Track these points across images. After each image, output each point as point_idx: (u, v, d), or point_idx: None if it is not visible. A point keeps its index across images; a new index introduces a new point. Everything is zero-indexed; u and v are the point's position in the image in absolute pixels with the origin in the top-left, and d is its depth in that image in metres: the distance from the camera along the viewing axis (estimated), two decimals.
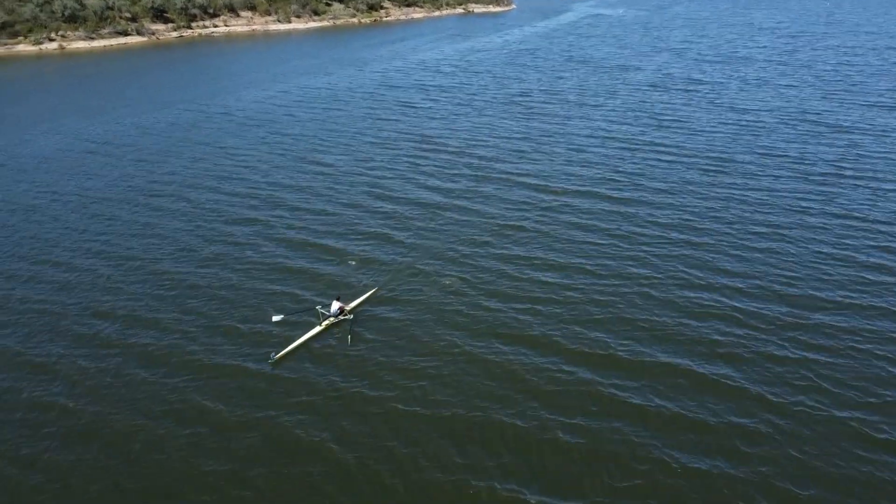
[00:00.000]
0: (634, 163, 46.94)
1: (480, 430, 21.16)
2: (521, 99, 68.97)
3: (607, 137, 53.41)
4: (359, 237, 35.44)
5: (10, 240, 36.43)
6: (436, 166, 47.06)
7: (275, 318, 26.97)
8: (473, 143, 52.79)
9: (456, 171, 45.76)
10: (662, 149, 50.07)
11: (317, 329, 26.48)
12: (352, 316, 27.22)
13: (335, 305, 27.15)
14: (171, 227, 37.43)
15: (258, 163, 49.00)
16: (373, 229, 36.37)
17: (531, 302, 28.49)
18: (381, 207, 39.53)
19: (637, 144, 51.37)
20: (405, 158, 49.02)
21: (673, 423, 21.36)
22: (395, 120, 61.18)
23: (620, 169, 45.57)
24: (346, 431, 21.14)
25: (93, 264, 33.14)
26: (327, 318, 26.80)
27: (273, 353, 24.69)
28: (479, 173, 45.25)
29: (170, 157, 50.88)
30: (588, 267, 31.56)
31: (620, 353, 24.84)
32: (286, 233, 36.25)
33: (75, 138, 57.02)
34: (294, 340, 25.68)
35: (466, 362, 24.50)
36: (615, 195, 40.73)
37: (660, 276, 30.62)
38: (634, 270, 31.15)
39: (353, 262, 31.81)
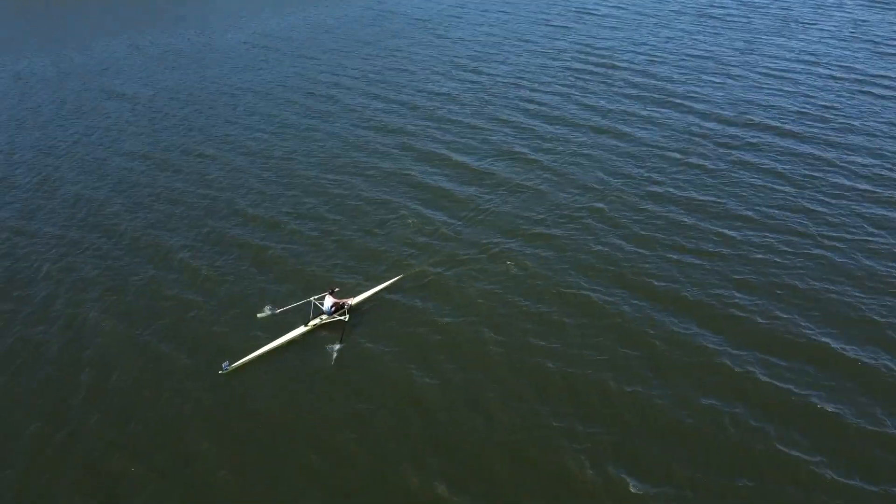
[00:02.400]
0: (846, 98, 38.88)
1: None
2: (716, 10, 60.15)
3: (815, 62, 44.88)
4: (499, 157, 33.03)
5: (163, 124, 38.59)
6: (602, 83, 42.51)
7: (260, 315, 22.20)
8: (650, 58, 46.96)
9: (621, 91, 41.00)
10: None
11: (297, 332, 21.42)
12: (347, 317, 21.70)
13: (328, 301, 21.87)
14: (315, 128, 37.45)
15: (414, 67, 47.40)
16: (516, 149, 33.70)
17: (678, 251, 24.77)
18: (531, 126, 36.49)
19: (856, 76, 42.44)
20: (570, 73, 44.80)
21: (827, 436, 17.55)
22: (568, 28, 56.16)
23: (824, 103, 38.03)
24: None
25: (233, 156, 34.13)
26: (318, 314, 21.86)
27: (226, 363, 19.93)
28: (648, 94, 40.18)
29: (339, 57, 50.74)
30: (752, 216, 26.79)
31: (772, 328, 20.83)
32: (426, 145, 34.73)
33: (256, 34, 58.82)
34: (260, 346, 20.89)
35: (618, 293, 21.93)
36: (807, 134, 34.14)
37: (846, 239, 25.21)
38: (811, 229, 25.94)
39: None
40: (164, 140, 36.82)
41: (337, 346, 20.80)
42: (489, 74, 44.91)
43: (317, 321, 21.65)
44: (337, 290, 22.34)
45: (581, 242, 25.66)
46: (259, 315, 22.19)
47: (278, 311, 22.20)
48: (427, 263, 24.77)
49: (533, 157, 32.82)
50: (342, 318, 21.73)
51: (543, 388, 19.03)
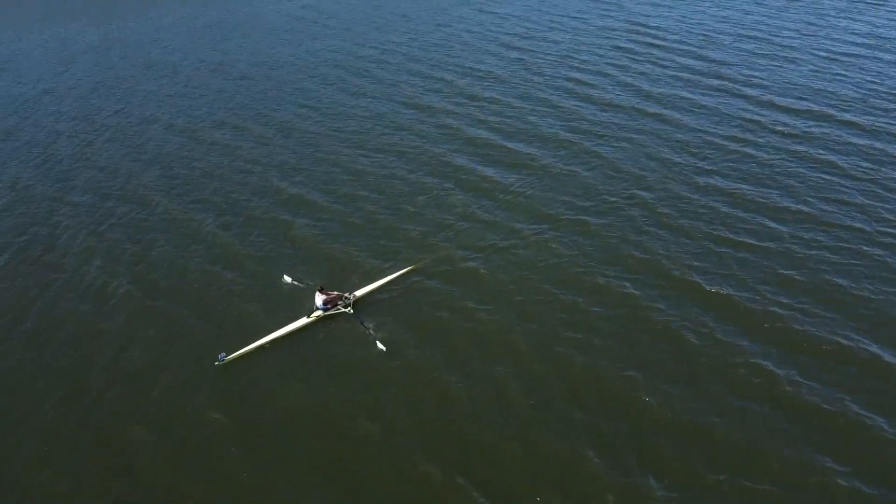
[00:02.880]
0: None
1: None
2: None
3: (882, 46, 42.12)
4: (540, 138, 32.00)
5: (203, 97, 38.62)
6: (651, 64, 40.75)
7: (286, 278, 22.66)
8: (705, 38, 44.86)
9: (672, 73, 39.25)
10: None
11: (299, 323, 20.87)
12: (351, 310, 21.08)
13: (318, 298, 21.10)
14: (355, 104, 36.99)
15: (459, 43, 46.35)
16: (558, 131, 32.61)
17: (722, 244, 23.55)
18: (575, 107, 35.24)
19: None
20: (619, 52, 43.11)
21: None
22: (622, 5, 54.14)
23: (891, 91, 35.60)
24: None
25: (269, 131, 33.93)
26: (315, 311, 21.09)
27: (222, 354, 19.36)
28: (699, 77, 38.34)
29: (384, 33, 50.05)
30: (804, 210, 25.28)
31: (816, 331, 19.58)
32: (466, 124, 33.90)
33: (304, 6, 58.47)
34: (266, 334, 20.32)
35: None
36: (870, 124, 32.00)
37: None
38: (867, 226, 24.33)
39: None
40: (201, 113, 36.90)
41: (373, 337, 19.95)
42: (535, 52, 43.58)
43: (319, 313, 20.99)
44: (323, 287, 21.27)
45: (620, 231, 24.61)
46: (285, 277, 22.66)
47: (298, 283, 22.36)
48: (459, 247, 24.14)
49: (575, 139, 31.69)
50: (346, 310, 21.04)
51: (570, 381, 18.31)
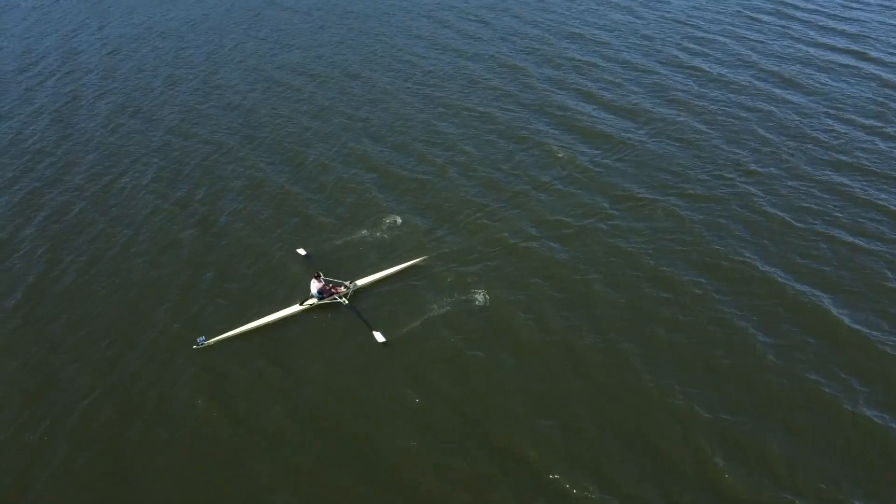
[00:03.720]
0: None
1: None
2: None
3: None
4: (653, 100, 30.34)
5: (318, 38, 39.09)
6: (780, 26, 37.27)
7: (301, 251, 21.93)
8: (845, 7, 40.36)
9: (803, 37, 35.77)
10: None
11: (291, 310, 19.78)
12: (346, 300, 19.77)
13: (314, 285, 19.86)
14: (464, 53, 36.32)
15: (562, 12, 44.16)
16: (673, 94, 30.80)
17: (837, 228, 21.69)
18: (693, 69, 33.04)
19: None
20: (745, 13, 39.51)
21: None
22: None
23: None
24: None
25: (378, 75, 34.11)
26: (310, 298, 19.96)
27: (202, 338, 18.67)
28: (835, 42, 34.68)
29: None
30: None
31: None
32: (579, 80, 32.58)
33: None
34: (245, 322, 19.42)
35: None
36: None
37: None
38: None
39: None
40: (316, 54, 37.46)
41: (376, 333, 18.63)
42: (656, 10, 40.82)
43: (313, 301, 19.87)
44: (319, 273, 20.06)
45: (727, 207, 23.19)
46: (299, 250, 21.92)
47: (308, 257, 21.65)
48: (552, 211, 23.52)
49: (690, 102, 29.92)
50: (342, 300, 19.74)
51: (651, 353, 17.82)
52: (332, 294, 19.92)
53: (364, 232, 22.96)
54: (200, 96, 33.58)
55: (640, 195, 23.95)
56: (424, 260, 21.19)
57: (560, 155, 26.47)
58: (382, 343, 18.36)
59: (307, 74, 35.07)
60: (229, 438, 16.28)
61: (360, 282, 20.45)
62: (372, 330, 18.72)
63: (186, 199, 25.49)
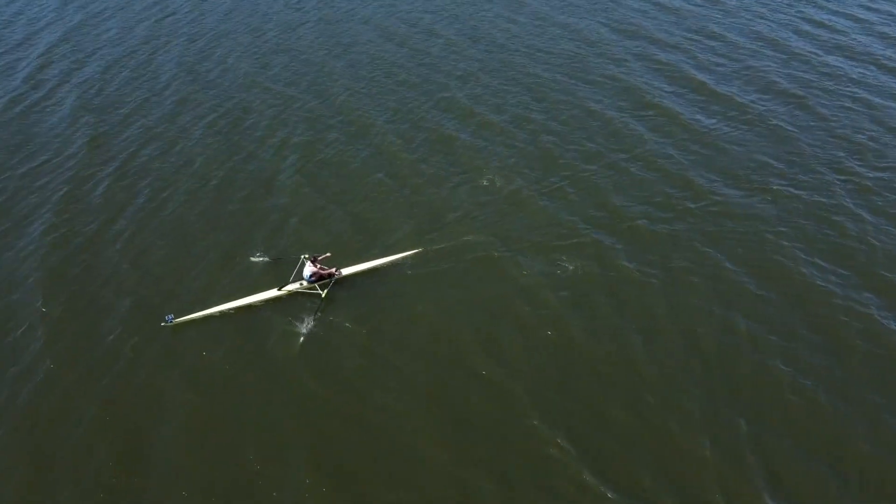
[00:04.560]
0: None
1: None
2: None
3: None
4: (753, 85, 27.97)
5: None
6: None
7: (254, 259, 20.25)
8: None
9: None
10: None
11: (267, 294, 18.83)
12: (324, 292, 18.67)
13: (308, 269, 18.90)
14: (555, 22, 34.59)
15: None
16: (775, 79, 28.25)
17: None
18: (803, 52, 30.12)
19: None
20: None
21: None
22: None
23: None
24: None
25: (462, 40, 32.96)
26: (300, 279, 19.06)
27: (170, 315, 18.06)
28: None
29: None
30: None
31: None
32: (674, 59, 30.41)
33: None
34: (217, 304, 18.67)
35: None
36: None
37: None
38: None
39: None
40: (401, 12, 36.58)
41: (306, 323, 17.91)
42: None
43: (294, 286, 18.90)
44: (321, 257, 19.19)
45: (815, 207, 21.07)
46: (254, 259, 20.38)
47: (264, 259, 20.23)
48: (630, 201, 21.88)
49: (793, 90, 27.27)
50: (321, 292, 18.63)
51: (698, 351, 16.73)
52: (325, 280, 18.92)
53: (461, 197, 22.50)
54: (282, 48, 33.52)
55: (718, 191, 22.10)
56: (417, 253, 19.91)
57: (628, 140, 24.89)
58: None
59: (384, 31, 34.36)
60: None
61: (346, 271, 19.40)
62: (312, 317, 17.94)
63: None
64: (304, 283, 18.91)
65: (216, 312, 18.43)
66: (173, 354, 17.43)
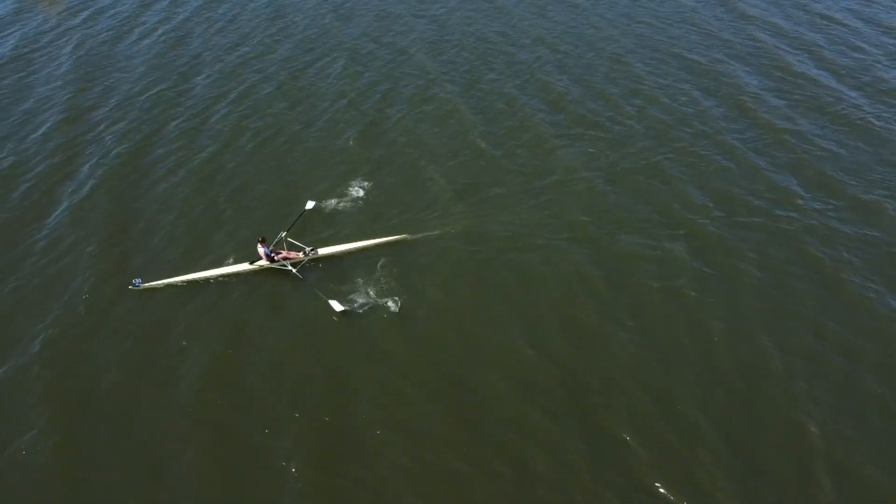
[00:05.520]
0: None
1: None
2: None
3: None
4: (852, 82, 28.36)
5: None
6: None
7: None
8: None
9: None
10: None
11: (240, 267, 19.03)
12: (294, 269, 18.85)
13: (260, 249, 18.93)
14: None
15: None
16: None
17: None
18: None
19: None
20: None
21: None
22: None
23: None
24: None
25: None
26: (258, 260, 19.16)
27: (138, 280, 18.38)
28: None
29: None
30: None
31: None
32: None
33: None
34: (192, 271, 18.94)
35: None
36: None
37: None
38: None
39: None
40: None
41: (332, 302, 17.76)
42: None
43: (263, 262, 19.06)
44: (264, 238, 19.07)
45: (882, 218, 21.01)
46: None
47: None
48: (700, 215, 21.56)
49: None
50: (293, 270, 18.87)
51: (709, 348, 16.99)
52: (285, 260, 19.04)
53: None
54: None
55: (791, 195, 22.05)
56: (405, 237, 19.94)
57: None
58: (341, 312, 17.54)
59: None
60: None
61: (324, 251, 19.39)
62: (328, 299, 17.82)
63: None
64: (265, 262, 18.92)
65: (181, 282, 18.54)
66: (141, 313, 17.72)
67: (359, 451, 14.55)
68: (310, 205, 21.10)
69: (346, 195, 21.83)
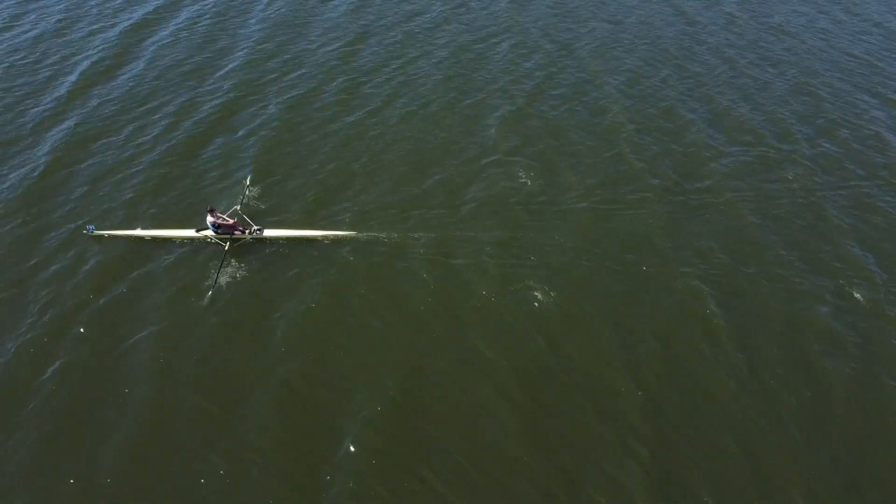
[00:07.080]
0: None
1: None
2: None
3: None
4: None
5: None
6: None
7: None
8: None
9: None
10: None
11: (185, 232, 18.68)
12: (227, 245, 18.29)
13: (208, 219, 18.39)
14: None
15: None
16: None
17: None
18: None
19: None
20: None
21: None
22: None
23: None
24: None
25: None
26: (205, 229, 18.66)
27: (91, 226, 18.43)
28: None
29: None
30: None
31: None
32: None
33: None
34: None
35: None
36: None
37: None
38: None
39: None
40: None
41: (209, 281, 17.43)
42: None
43: (209, 232, 18.58)
44: (213, 208, 18.57)
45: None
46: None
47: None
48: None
49: None
50: (223, 244, 18.36)
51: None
52: (232, 230, 18.52)
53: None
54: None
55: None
56: (354, 235, 18.98)
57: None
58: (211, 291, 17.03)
59: None
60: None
61: (270, 233, 18.77)
62: (210, 287, 17.20)
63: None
64: (211, 232, 18.61)
65: (132, 236, 18.54)
66: (81, 260, 17.97)
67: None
68: (248, 180, 20.78)
69: (476, 180, 21.75)
